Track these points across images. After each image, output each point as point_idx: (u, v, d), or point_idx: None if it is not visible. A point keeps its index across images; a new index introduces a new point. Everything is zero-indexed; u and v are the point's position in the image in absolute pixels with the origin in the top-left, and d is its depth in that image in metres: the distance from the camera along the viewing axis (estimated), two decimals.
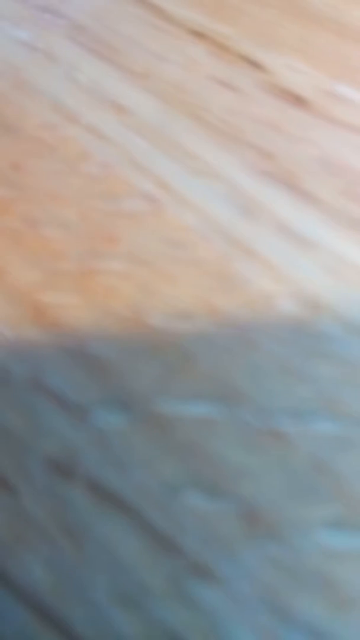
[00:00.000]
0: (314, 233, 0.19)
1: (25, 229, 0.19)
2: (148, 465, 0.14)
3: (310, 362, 0.16)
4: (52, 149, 0.22)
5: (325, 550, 0.13)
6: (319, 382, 0.16)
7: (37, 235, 0.19)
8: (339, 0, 0.29)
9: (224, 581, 0.12)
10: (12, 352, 0.15)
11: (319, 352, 0.16)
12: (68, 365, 0.15)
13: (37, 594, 0.12)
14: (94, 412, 0.14)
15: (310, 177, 0.21)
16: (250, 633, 0.12)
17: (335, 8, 0.29)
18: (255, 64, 0.26)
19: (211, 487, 0.13)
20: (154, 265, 0.18)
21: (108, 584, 0.12)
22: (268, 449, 0.14)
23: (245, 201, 0.20)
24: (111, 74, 0.25)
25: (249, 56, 0.26)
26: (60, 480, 0.13)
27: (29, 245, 0.18)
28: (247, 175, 0.21)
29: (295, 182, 0.21)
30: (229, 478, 0.14)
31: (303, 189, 0.21)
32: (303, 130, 0.23)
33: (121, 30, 0.27)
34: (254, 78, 0.25)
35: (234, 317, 0.17)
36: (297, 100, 0.24)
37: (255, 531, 0.13)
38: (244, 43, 0.27)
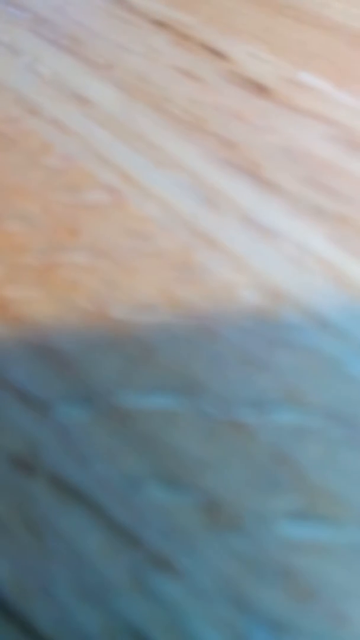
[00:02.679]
0: (276, 222, 0.19)
1: None
2: (109, 458, 0.13)
3: (271, 352, 0.16)
4: (14, 142, 0.21)
5: (286, 541, 0.13)
6: (280, 372, 0.15)
7: None
8: None
9: (184, 574, 0.12)
10: None
11: (281, 341, 0.16)
12: (30, 360, 0.15)
13: None
14: (56, 406, 0.14)
15: (273, 166, 0.21)
16: (211, 626, 0.12)
17: None
18: (217, 53, 0.25)
19: (172, 479, 0.13)
20: (116, 258, 0.18)
21: (69, 578, 0.12)
22: (229, 440, 0.14)
23: (208, 191, 0.20)
24: (74, 65, 0.25)
25: (210, 45, 0.26)
26: (21, 475, 0.13)
27: None
28: (209, 165, 0.21)
29: (257, 172, 0.21)
30: (189, 470, 0.14)
31: (266, 178, 0.21)
32: (265, 119, 0.23)
33: (84, 22, 0.27)
34: (216, 67, 0.25)
35: (195, 308, 0.17)
36: (259, 89, 0.24)
37: (216, 523, 0.13)
38: (206, 32, 0.27)
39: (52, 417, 0.14)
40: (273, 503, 0.13)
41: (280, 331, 0.16)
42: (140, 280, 0.17)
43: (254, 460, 0.14)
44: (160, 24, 0.27)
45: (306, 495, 0.13)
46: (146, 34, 0.26)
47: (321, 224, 0.19)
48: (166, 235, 0.18)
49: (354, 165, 0.21)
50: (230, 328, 0.16)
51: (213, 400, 0.15)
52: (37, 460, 0.13)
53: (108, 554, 0.12)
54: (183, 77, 0.24)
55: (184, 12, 0.28)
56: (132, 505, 0.13)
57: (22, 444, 0.14)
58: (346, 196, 0.20)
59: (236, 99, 0.23)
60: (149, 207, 0.19)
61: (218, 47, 0.26)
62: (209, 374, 0.15)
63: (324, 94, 0.24)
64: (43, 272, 0.17)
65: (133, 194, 0.20)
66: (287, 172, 0.21)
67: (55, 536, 0.12)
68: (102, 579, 0.12)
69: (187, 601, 0.12)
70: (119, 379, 0.15)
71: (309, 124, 0.23)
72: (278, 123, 0.23)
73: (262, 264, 0.18)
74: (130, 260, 0.18)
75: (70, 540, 0.12)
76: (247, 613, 0.12)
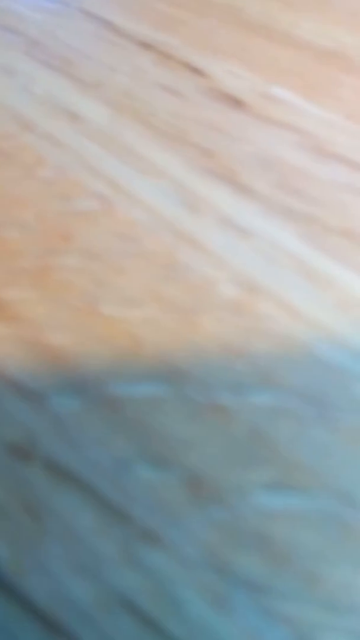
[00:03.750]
0: (251, 223, 0.19)
1: None
2: (100, 443, 0.14)
3: (248, 340, 0.16)
4: (10, 156, 0.21)
5: (262, 510, 0.13)
6: (256, 358, 0.16)
7: None
8: (271, 7, 0.29)
9: (170, 545, 0.12)
10: None
11: (256, 330, 0.16)
12: (26, 355, 0.15)
13: None
14: (51, 397, 0.14)
15: (248, 173, 0.21)
16: (194, 591, 0.12)
17: (267, 15, 0.29)
18: (196, 71, 0.26)
19: (158, 459, 0.13)
20: (106, 259, 0.18)
21: (64, 554, 0.12)
22: (210, 421, 0.14)
23: (189, 197, 0.20)
24: (65, 85, 0.25)
25: (190, 63, 0.26)
26: (19, 462, 0.13)
27: None
28: (190, 173, 0.21)
29: (234, 178, 0.21)
30: (174, 450, 0.14)
31: (241, 183, 0.21)
32: (241, 130, 0.23)
33: (74, 45, 0.27)
34: (195, 84, 0.25)
35: (179, 302, 0.17)
36: (235, 103, 0.24)
37: (199, 497, 0.13)
38: (187, 52, 0.27)
39: (47, 407, 0.14)
40: (250, 476, 0.13)
41: (255, 321, 0.16)
42: (128, 279, 0.17)
43: (233, 438, 0.14)
44: (145, 45, 0.27)
45: (280, 468, 0.13)
46: (132, 55, 0.27)
47: (292, 223, 0.19)
48: (152, 237, 0.19)
49: (321, 171, 0.21)
50: (211, 320, 0.17)
51: (195, 386, 0.15)
52: (34, 447, 0.13)
53: (100, 530, 0.12)
54: (166, 93, 0.24)
55: (167, 34, 0.28)
56: (121, 485, 0.13)
57: (19, 432, 0.14)
58: (314, 198, 0.20)
59: (214, 112, 0.24)
60: (135, 212, 0.19)
61: (198, 66, 0.26)
62: (191, 362, 0.15)
63: (294, 106, 0.24)
64: (38, 274, 0.17)
65: (121, 201, 0.20)
66: (261, 178, 0.21)
67: (50, 516, 0.12)
68: (95, 554, 0.12)
69: (173, 570, 0.12)
70: (109, 370, 0.15)
71: (280, 133, 0.23)
72: (252, 133, 0.23)
73: (239, 261, 0.18)
74: (119, 261, 0.18)
75: (64, 520, 0.12)
76: (227, 578, 0.12)
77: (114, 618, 0.11)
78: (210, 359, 0.16)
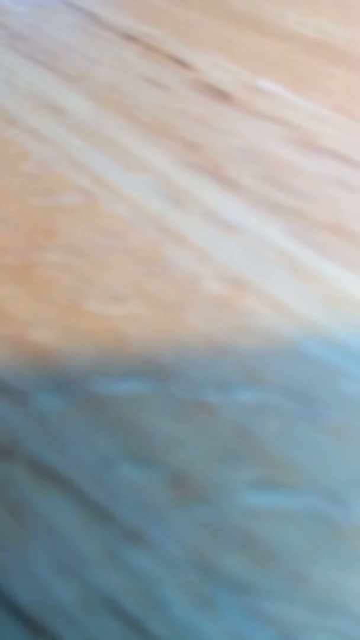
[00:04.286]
0: (237, 218, 0.19)
1: None
2: (84, 442, 0.14)
3: (233, 337, 0.16)
4: None
5: (248, 510, 0.13)
6: (241, 355, 0.16)
7: None
8: None
9: (155, 545, 0.12)
10: None
11: (242, 327, 0.16)
12: (9, 353, 0.15)
13: None
14: (34, 395, 0.14)
15: (233, 166, 0.21)
16: (179, 591, 0.12)
17: (253, 6, 0.29)
18: (181, 63, 0.25)
19: (143, 458, 0.13)
20: (89, 255, 0.18)
21: (47, 555, 0.12)
22: (195, 419, 0.14)
23: (174, 191, 0.20)
24: (49, 78, 0.25)
25: (175, 56, 0.26)
26: (2, 461, 0.13)
27: None
28: (175, 167, 0.21)
29: (219, 171, 0.21)
30: (159, 448, 0.14)
31: (227, 177, 0.21)
32: (227, 123, 0.23)
33: (58, 37, 0.27)
34: (181, 76, 0.25)
35: (163, 298, 0.17)
36: (221, 95, 0.24)
37: (184, 496, 0.13)
38: (171, 44, 0.27)
39: (30, 406, 0.14)
40: (235, 475, 0.13)
41: (241, 317, 0.16)
42: (112, 275, 0.17)
43: (218, 436, 0.14)
44: (129, 38, 0.27)
45: (266, 466, 0.13)
46: (116, 47, 0.26)
47: (278, 218, 0.19)
48: (136, 232, 0.19)
49: (308, 164, 0.21)
50: (195, 316, 0.16)
51: (180, 383, 0.15)
52: (17, 446, 0.13)
53: (84, 530, 0.12)
54: (150, 86, 0.24)
55: (151, 26, 0.28)
56: (105, 484, 0.13)
57: (1, 432, 0.14)
58: (301, 192, 0.20)
59: (200, 105, 0.24)
60: (119, 207, 0.19)
61: (183, 58, 0.26)
62: (175, 359, 0.15)
63: (281, 98, 0.24)
64: (21, 270, 0.17)
65: (105, 196, 0.20)
66: (247, 171, 0.21)
67: (34, 516, 0.12)
68: (78, 554, 0.12)
69: (157, 570, 0.12)
70: (93, 368, 0.15)
71: (267, 126, 0.23)
72: (238, 126, 0.23)
73: (224, 256, 0.18)
74: (103, 257, 0.18)
75: (48, 520, 0.12)
76: (212, 578, 0.12)
77: (98, 619, 0.11)
78: (195, 356, 0.15)
